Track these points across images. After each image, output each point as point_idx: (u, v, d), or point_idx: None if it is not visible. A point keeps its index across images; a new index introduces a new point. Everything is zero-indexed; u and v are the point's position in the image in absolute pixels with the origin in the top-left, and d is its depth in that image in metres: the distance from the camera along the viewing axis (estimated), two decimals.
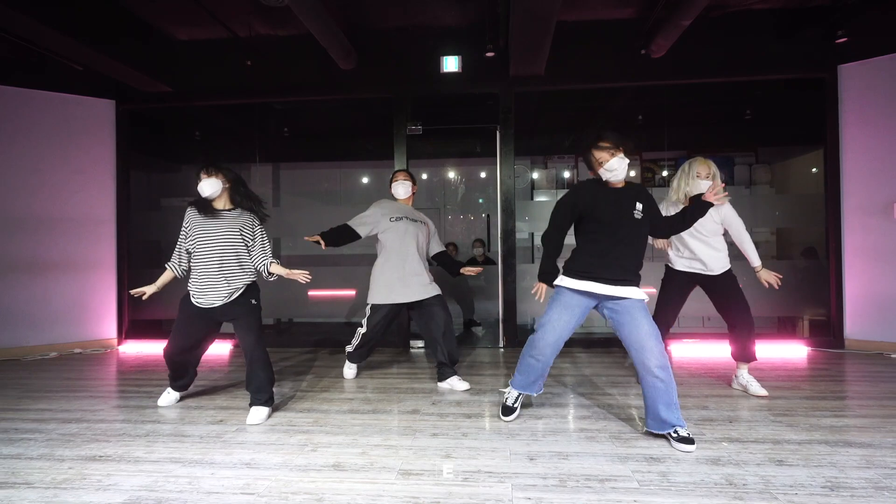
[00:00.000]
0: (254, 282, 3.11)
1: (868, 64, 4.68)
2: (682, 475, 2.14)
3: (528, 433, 2.67)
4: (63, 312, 5.14)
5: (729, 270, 3.39)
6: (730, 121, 6.76)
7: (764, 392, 3.31)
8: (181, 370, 3.23)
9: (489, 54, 4.79)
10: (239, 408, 3.17)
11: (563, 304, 2.67)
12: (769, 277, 3.41)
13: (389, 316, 3.64)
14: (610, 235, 2.58)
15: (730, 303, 3.34)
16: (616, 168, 2.56)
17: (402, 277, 3.57)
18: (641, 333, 2.50)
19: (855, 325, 4.73)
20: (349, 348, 3.81)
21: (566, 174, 7.11)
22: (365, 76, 5.15)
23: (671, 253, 3.47)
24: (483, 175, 7.53)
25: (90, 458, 2.42)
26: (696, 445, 2.44)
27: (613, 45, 4.91)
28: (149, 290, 3.11)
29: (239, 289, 3.01)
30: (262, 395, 2.98)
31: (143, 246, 6.50)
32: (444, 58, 4.97)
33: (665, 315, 3.46)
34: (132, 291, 3.10)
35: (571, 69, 4.98)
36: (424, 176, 7.61)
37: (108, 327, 5.35)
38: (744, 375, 3.42)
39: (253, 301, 3.05)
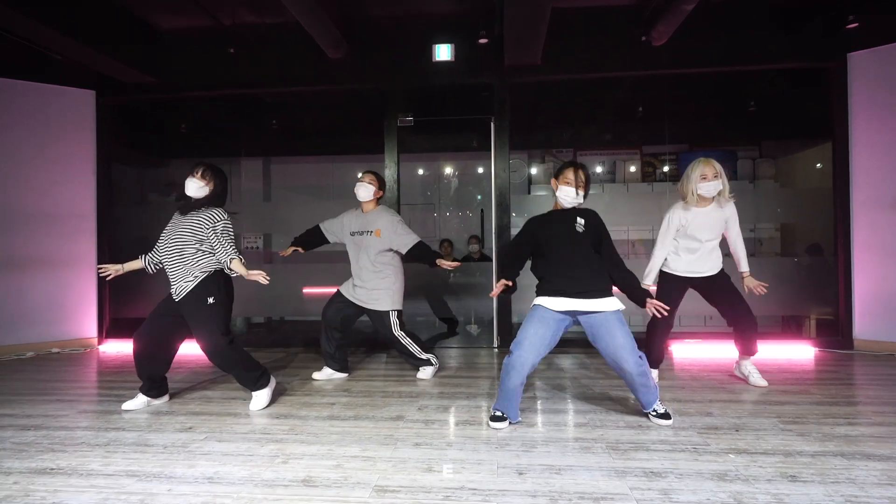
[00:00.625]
0: (214, 279, 3.02)
1: (879, 52, 4.47)
2: (686, 493, 1.94)
3: (518, 443, 2.47)
4: (40, 311, 4.94)
5: (722, 269, 3.42)
6: (733, 113, 6.55)
7: (764, 383, 3.42)
8: (147, 367, 3.06)
9: (482, 41, 4.58)
10: (212, 413, 2.98)
11: (539, 320, 2.69)
12: (753, 285, 3.41)
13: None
14: (557, 251, 2.76)
15: (729, 300, 3.38)
16: (567, 196, 2.80)
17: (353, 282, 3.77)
18: (617, 345, 2.59)
19: (864, 324, 4.53)
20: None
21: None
22: (355, 66, 4.95)
23: (670, 256, 3.42)
24: (480, 170, 7.32)
25: (40, 470, 2.22)
26: (671, 420, 2.70)
27: (612, 33, 4.70)
28: (112, 268, 3.13)
29: (188, 286, 2.96)
30: (251, 384, 3.07)
31: (130, 242, 6.33)
32: (437, 46, 4.76)
33: (665, 318, 3.27)
34: (99, 266, 3.17)
35: (569, 58, 4.77)
36: (421, 171, 7.41)
37: (87, 326, 5.15)
38: (746, 365, 3.51)
39: (210, 299, 2.97)
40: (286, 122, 7.12)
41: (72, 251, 5.08)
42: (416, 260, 3.70)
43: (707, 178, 3.21)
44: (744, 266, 3.45)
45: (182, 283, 2.97)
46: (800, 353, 4.42)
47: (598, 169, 6.89)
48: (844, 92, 4.57)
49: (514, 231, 5.52)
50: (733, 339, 3.49)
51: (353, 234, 3.76)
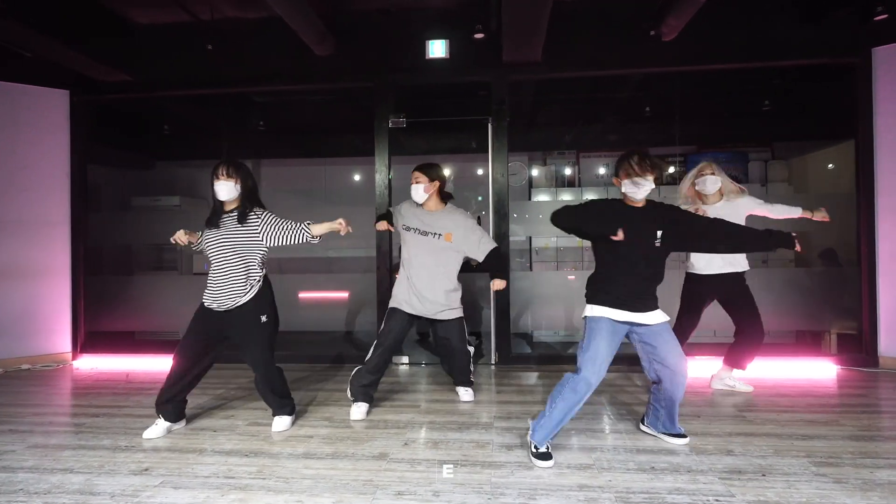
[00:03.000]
0: (265, 296, 2.92)
1: None
2: None
3: (515, 492, 2.16)
4: (10, 324, 4.63)
5: (743, 274, 3.44)
6: (743, 113, 6.22)
7: (750, 388, 3.54)
8: (177, 389, 2.88)
9: (478, 35, 4.26)
10: (175, 449, 2.68)
11: (609, 333, 2.47)
12: (819, 216, 3.42)
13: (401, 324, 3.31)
14: (627, 258, 2.47)
15: (744, 307, 3.43)
16: (637, 189, 2.46)
17: (408, 290, 3.29)
18: (675, 355, 2.49)
19: (891, 340, 4.19)
20: None
21: (567, 171, 6.58)
22: (342, 63, 4.63)
23: (693, 259, 3.47)
24: (480, 172, 7.01)
25: None
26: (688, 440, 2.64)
27: (619, 27, 4.37)
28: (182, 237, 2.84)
29: (239, 300, 2.82)
30: (283, 409, 2.97)
31: (113, 249, 6.04)
32: (430, 42, 4.44)
33: (687, 325, 3.53)
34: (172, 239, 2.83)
35: (571, 55, 4.45)
36: None
37: (61, 340, 4.85)
38: (727, 378, 3.59)
39: (263, 318, 2.87)
40: (277, 123, 6.82)
41: (44, 260, 4.77)
42: (489, 269, 3.33)
43: (704, 172, 3.42)
44: (792, 210, 3.46)
45: (232, 297, 2.80)
46: (820, 371, 4.09)
47: (602, 171, 6.57)
48: (869, 89, 4.24)
49: (514, 238, 5.25)
50: (728, 348, 3.57)
51: (408, 228, 3.31)
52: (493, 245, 3.31)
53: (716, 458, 2.48)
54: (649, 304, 2.50)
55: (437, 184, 3.28)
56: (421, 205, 3.33)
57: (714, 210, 3.30)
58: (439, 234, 3.24)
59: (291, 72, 4.71)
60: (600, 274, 2.57)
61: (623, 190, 2.50)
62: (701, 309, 3.52)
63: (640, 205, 2.53)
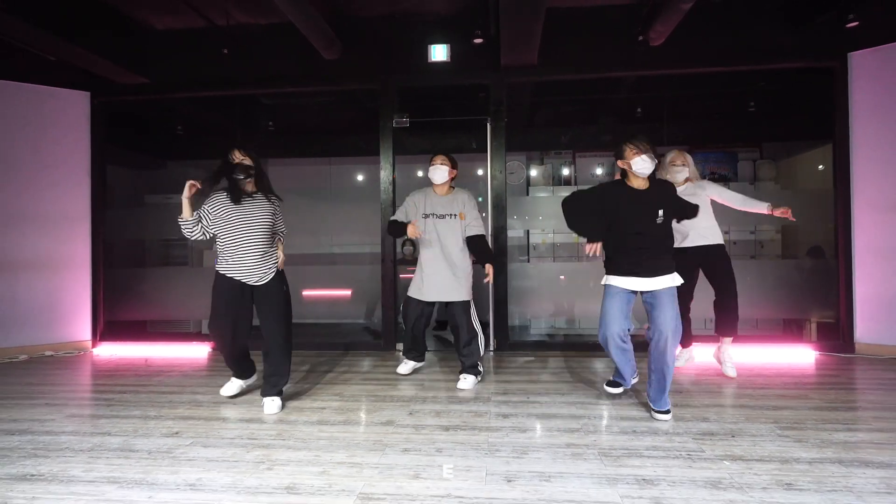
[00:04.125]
0: (281, 271, 3.19)
1: (881, 51, 4.40)
2: (678, 501, 1.89)
3: (509, 448, 2.42)
4: (34, 313, 4.90)
5: (723, 245, 3.75)
6: (733, 114, 6.48)
7: (733, 374, 3.72)
8: (234, 353, 3.18)
9: (477, 41, 4.53)
10: (200, 418, 2.94)
11: (612, 296, 2.90)
12: (779, 212, 3.62)
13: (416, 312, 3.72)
14: (632, 233, 2.84)
15: (721, 274, 3.69)
16: (644, 166, 2.80)
17: (421, 278, 3.66)
18: (666, 318, 2.75)
19: (866, 327, 4.46)
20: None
21: (565, 171, 6.84)
22: (349, 66, 4.91)
23: (718, 228, 3.78)
24: (480, 172, 7.27)
25: (20, 477, 2.18)
26: (670, 415, 2.82)
27: (610, 33, 4.65)
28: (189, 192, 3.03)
29: (272, 269, 3.11)
30: (280, 385, 3.10)
31: (126, 244, 6.30)
32: (432, 46, 4.71)
33: (683, 300, 3.63)
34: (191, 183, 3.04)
35: (566, 58, 4.73)
36: (420, 173, 7.36)
37: (81, 329, 5.12)
38: (726, 350, 3.81)
39: (285, 288, 3.15)
40: (283, 123, 7.08)
41: (66, 253, 5.04)
42: (473, 251, 3.62)
43: (675, 163, 3.74)
44: (762, 206, 3.67)
45: (264, 269, 3.07)
46: (800, 356, 4.35)
47: (598, 171, 6.83)
48: (846, 92, 4.51)
49: (511, 233, 5.50)
50: (715, 315, 3.82)
51: (427, 216, 3.61)
52: (480, 231, 3.59)
53: (692, 423, 2.73)
54: (657, 270, 2.81)
55: (455, 171, 3.65)
56: (434, 191, 3.67)
57: (680, 191, 3.58)
58: (454, 215, 3.59)
59: (300, 75, 4.98)
60: (610, 247, 2.93)
61: (634, 168, 2.82)
62: (690, 280, 3.68)
63: (643, 186, 2.88)
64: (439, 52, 4.71)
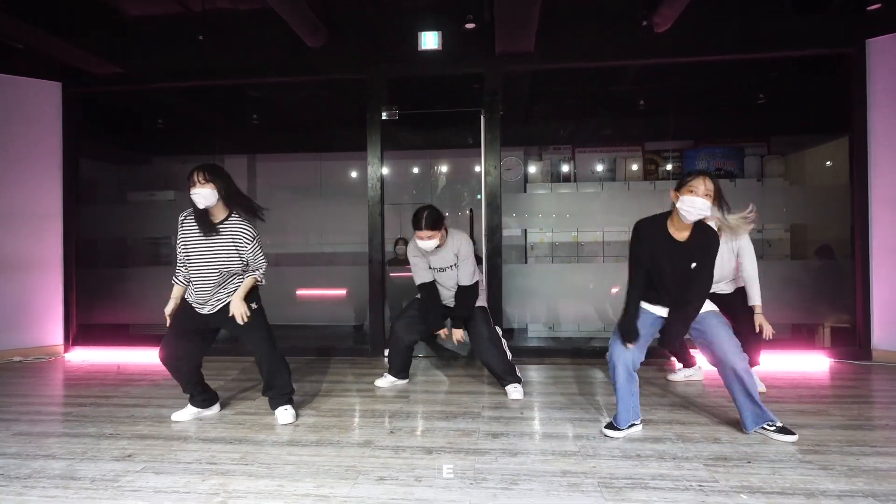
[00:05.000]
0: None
1: None
2: None
3: (497, 477, 2.14)
4: (2, 316, 4.63)
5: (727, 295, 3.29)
6: (740, 107, 6.19)
7: (679, 378, 3.59)
8: (184, 380, 2.90)
9: (469, 26, 4.25)
10: (160, 437, 2.67)
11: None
12: (764, 324, 3.14)
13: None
14: (665, 278, 2.53)
15: (740, 322, 3.18)
16: (692, 207, 2.40)
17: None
18: (723, 342, 2.51)
19: (884, 333, 4.18)
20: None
21: (564, 168, 6.57)
22: (335, 54, 4.62)
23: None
24: (477, 168, 6.99)
25: None
26: (796, 437, 2.48)
27: (612, 18, 4.36)
28: (170, 308, 2.87)
29: (226, 300, 2.82)
30: (285, 393, 2.92)
31: (109, 243, 6.03)
32: (423, 34, 4.43)
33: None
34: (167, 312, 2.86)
35: (565, 46, 4.43)
36: (416, 169, 7.07)
37: (53, 333, 4.85)
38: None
39: (253, 304, 2.85)
40: (272, 117, 6.80)
41: (36, 253, 4.77)
42: (456, 299, 3.46)
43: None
44: (756, 300, 3.23)
45: (215, 300, 2.80)
46: (814, 364, 4.08)
47: (599, 167, 6.55)
48: (863, 81, 4.22)
49: (507, 232, 5.23)
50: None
51: (432, 269, 3.47)
52: (467, 282, 3.39)
53: (703, 445, 2.46)
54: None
55: (442, 230, 3.33)
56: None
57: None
58: (453, 266, 3.42)
59: (283, 63, 4.70)
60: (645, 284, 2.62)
61: (680, 207, 2.44)
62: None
63: (684, 236, 2.50)
64: (430, 40, 4.43)
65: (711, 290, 2.96)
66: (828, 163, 5.75)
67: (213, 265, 2.73)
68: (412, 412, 3.03)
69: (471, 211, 6.32)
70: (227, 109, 6.42)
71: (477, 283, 3.46)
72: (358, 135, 4.87)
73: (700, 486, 2.04)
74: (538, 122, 6.62)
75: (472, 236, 6.06)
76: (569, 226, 5.76)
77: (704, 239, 2.50)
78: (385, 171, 4.74)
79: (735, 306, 3.23)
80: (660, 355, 4.11)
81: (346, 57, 4.63)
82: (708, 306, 2.61)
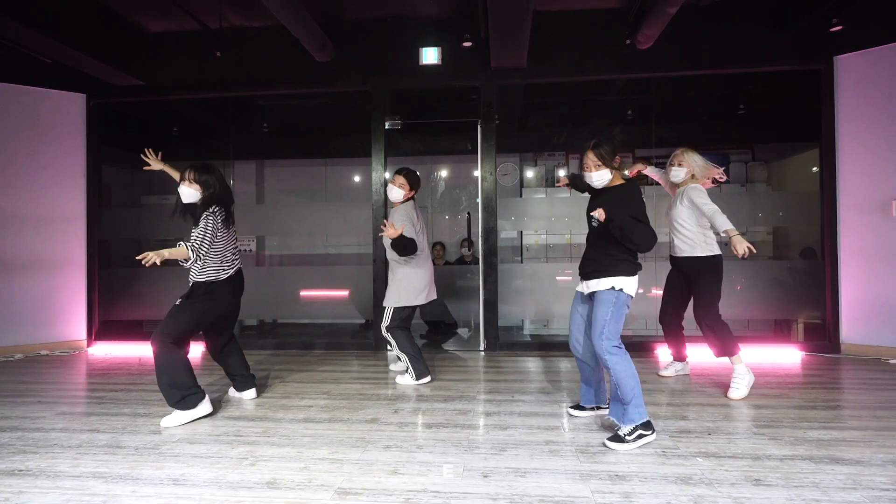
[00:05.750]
0: (204, 284, 3.02)
1: (866, 55, 4.45)
2: (647, 496, 1.94)
3: (488, 445, 2.47)
4: (29, 312, 4.96)
5: (702, 258, 3.43)
6: (725, 117, 6.53)
7: (735, 395, 3.20)
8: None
9: (466, 44, 4.59)
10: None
11: (573, 302, 2.86)
12: (740, 244, 3.06)
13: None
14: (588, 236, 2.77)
15: (695, 293, 3.47)
16: (593, 180, 2.66)
17: (424, 283, 3.73)
18: (590, 322, 2.66)
19: (852, 328, 4.50)
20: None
21: (561, 172, 6.88)
22: (341, 68, 4.96)
23: (704, 238, 3.40)
24: (476, 173, 7.32)
25: (9, 472, 2.23)
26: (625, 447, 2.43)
27: (599, 36, 4.70)
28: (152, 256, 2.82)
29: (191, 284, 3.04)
30: (169, 399, 2.84)
31: (123, 244, 6.35)
32: (423, 49, 4.77)
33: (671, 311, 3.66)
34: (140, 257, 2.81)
35: (555, 61, 4.77)
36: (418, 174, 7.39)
37: (77, 328, 5.17)
38: (735, 369, 3.28)
39: (179, 300, 3.02)
40: (280, 125, 7.14)
41: (61, 254, 5.10)
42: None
43: (672, 163, 3.61)
44: (729, 228, 3.26)
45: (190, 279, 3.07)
46: (787, 357, 4.40)
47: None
48: (831, 94, 4.56)
49: (503, 234, 5.55)
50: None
51: (418, 229, 3.72)
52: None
53: (671, 422, 2.78)
54: (589, 275, 2.67)
55: (407, 192, 3.73)
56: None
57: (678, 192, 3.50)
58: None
59: (293, 76, 5.04)
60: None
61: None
62: (672, 289, 3.64)
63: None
64: (430, 55, 4.76)
65: (679, 255, 3.46)
66: (814, 168, 6.07)
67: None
68: (414, 396, 3.36)
69: (468, 214, 6.66)
70: (239, 118, 6.75)
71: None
72: (362, 142, 5.20)
73: (663, 451, 2.36)
74: (533, 129, 6.96)
75: (469, 238, 6.42)
76: (563, 228, 6.09)
77: (616, 191, 2.65)
78: (388, 175, 5.06)
79: (696, 272, 3.37)
80: (650, 354, 4.44)
81: (352, 71, 4.97)
82: (606, 285, 2.56)
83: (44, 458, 2.39)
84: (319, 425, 2.79)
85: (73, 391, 3.61)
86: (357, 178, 7.40)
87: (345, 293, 5.79)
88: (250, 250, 7.07)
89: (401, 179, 3.69)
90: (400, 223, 3.47)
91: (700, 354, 4.31)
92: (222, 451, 2.44)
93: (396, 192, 3.70)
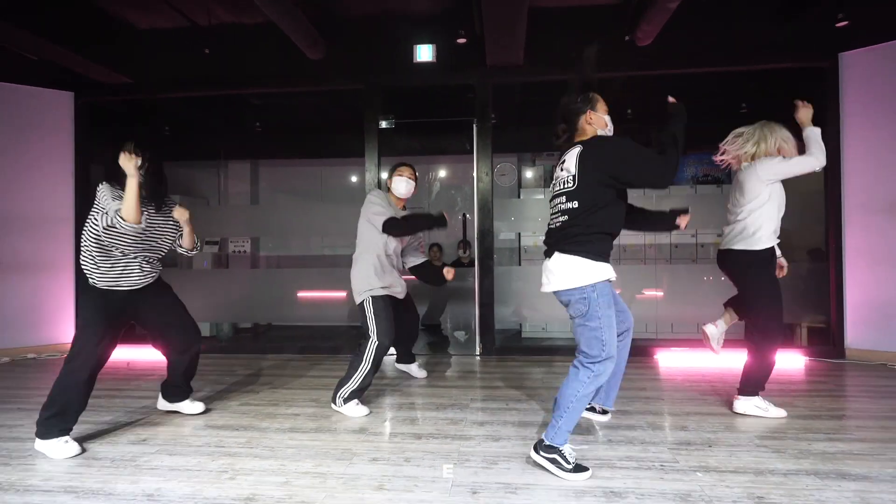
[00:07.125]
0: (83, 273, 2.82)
1: (872, 51, 4.34)
2: None
3: (479, 458, 2.36)
4: (16, 315, 4.86)
5: (745, 252, 3.23)
6: (724, 115, 6.40)
7: (783, 413, 2.90)
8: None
9: (461, 40, 4.48)
10: (171, 424, 2.89)
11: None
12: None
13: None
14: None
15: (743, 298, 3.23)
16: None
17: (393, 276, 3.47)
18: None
19: (856, 333, 4.39)
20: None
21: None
22: (334, 66, 4.86)
23: (766, 227, 3.12)
24: (475, 173, 7.21)
25: None
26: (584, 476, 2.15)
27: (596, 33, 4.56)
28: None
29: None
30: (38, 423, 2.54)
31: None
32: (418, 46, 4.66)
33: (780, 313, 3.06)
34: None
35: (552, 58, 4.66)
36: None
37: (64, 331, 5.07)
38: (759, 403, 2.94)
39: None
40: (274, 124, 7.04)
41: (49, 255, 5.00)
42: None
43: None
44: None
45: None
46: (790, 362, 4.28)
47: None
48: (836, 92, 4.45)
49: (501, 235, 5.46)
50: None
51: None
52: None
53: (670, 433, 2.68)
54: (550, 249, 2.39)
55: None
56: (392, 202, 3.46)
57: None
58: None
59: (285, 74, 4.94)
60: None
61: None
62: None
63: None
64: (424, 53, 4.66)
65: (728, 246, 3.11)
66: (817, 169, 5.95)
67: None
68: (405, 404, 3.25)
69: (464, 215, 6.55)
70: (231, 117, 6.66)
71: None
72: (357, 141, 5.10)
73: (661, 465, 2.25)
74: (531, 128, 6.84)
75: (465, 239, 6.31)
76: None
77: (588, 143, 2.36)
78: (383, 175, 4.96)
79: (739, 268, 3.08)
80: (637, 355, 4.34)
81: (345, 68, 4.87)
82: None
83: (15, 469, 2.29)
84: (305, 435, 2.69)
85: None
86: (354, 179, 7.31)
87: (341, 295, 5.69)
88: (245, 251, 6.98)
89: (409, 170, 3.43)
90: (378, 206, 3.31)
91: (700, 360, 4.22)
92: (202, 463, 2.34)
93: (406, 186, 3.40)
